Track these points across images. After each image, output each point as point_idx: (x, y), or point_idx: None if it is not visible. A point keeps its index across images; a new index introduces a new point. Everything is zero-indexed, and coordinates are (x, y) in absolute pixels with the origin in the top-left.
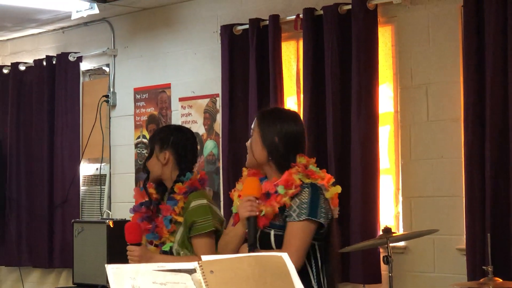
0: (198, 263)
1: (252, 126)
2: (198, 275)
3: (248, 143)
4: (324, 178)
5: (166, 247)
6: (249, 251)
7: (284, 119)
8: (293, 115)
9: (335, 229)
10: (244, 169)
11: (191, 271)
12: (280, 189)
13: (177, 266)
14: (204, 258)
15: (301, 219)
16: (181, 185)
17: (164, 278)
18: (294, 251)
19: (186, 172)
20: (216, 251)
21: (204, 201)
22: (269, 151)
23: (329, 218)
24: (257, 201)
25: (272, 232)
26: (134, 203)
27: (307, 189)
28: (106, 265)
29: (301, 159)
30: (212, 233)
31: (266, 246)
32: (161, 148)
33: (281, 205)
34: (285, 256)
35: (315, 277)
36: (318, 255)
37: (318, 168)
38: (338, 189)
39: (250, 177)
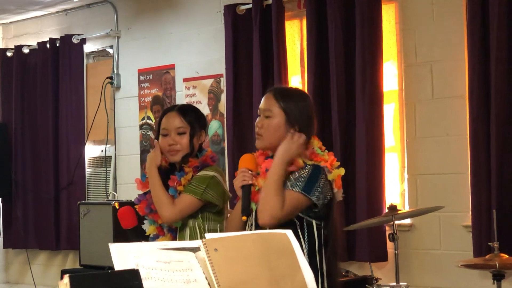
0: (202, 241)
1: (266, 106)
2: (202, 253)
3: (261, 125)
4: (328, 160)
5: (178, 224)
6: (242, 216)
7: (303, 98)
8: (307, 95)
9: (336, 211)
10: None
11: (195, 249)
12: None
13: (181, 244)
14: (208, 236)
15: (294, 189)
16: (195, 160)
17: (168, 257)
18: None
19: (202, 149)
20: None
21: (211, 173)
22: (299, 129)
23: (327, 199)
24: (250, 172)
25: None
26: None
27: (310, 167)
28: (109, 244)
29: (314, 142)
30: (198, 201)
31: None
32: (200, 128)
33: None
34: (289, 233)
35: (307, 255)
36: (316, 234)
37: (326, 151)
38: (342, 171)
39: (246, 154)
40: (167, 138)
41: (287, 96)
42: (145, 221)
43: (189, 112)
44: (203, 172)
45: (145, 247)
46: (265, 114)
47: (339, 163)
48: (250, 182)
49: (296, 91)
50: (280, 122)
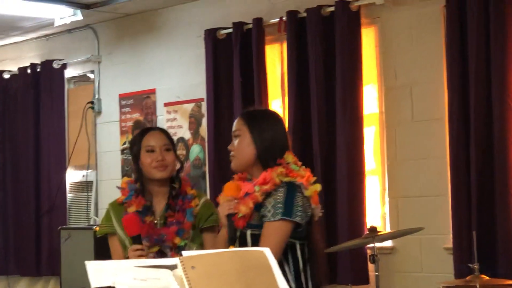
0: (179, 259)
1: (236, 128)
2: (179, 271)
3: (233, 146)
4: (304, 176)
5: (181, 243)
6: (229, 246)
7: (271, 118)
8: (276, 113)
9: (317, 227)
10: (234, 176)
11: (172, 267)
12: (256, 188)
13: (158, 262)
14: (185, 253)
15: (276, 219)
16: (187, 183)
17: (145, 274)
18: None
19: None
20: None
21: (207, 197)
22: (259, 150)
23: (308, 216)
24: (235, 201)
25: (249, 232)
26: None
27: (282, 189)
28: (86, 262)
29: (289, 157)
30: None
31: (244, 246)
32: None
33: (254, 202)
34: (267, 251)
35: (293, 276)
36: (299, 254)
37: (304, 166)
38: (318, 187)
39: (229, 182)
40: (153, 154)
41: (254, 115)
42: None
43: (167, 132)
44: (205, 197)
45: (122, 264)
46: (235, 135)
47: (315, 178)
48: (235, 211)
49: (264, 111)
50: (248, 140)
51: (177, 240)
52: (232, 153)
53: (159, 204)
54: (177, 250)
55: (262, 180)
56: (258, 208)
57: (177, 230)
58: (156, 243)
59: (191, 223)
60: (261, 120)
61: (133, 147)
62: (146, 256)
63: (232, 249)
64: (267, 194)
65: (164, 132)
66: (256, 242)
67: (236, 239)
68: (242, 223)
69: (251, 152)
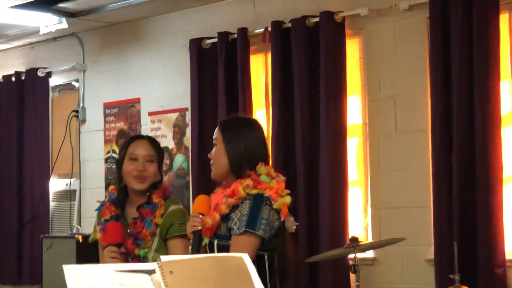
0: (158, 263)
1: (215, 136)
2: (158, 275)
3: (211, 154)
4: (273, 189)
5: (141, 252)
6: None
7: (247, 127)
8: (254, 122)
9: (288, 240)
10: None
11: (150, 272)
12: (224, 200)
13: (137, 266)
14: (164, 258)
15: (240, 231)
16: (158, 191)
17: (123, 279)
18: None
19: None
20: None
21: (181, 206)
22: (231, 160)
23: (274, 229)
24: (200, 216)
25: (216, 242)
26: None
27: (248, 201)
28: (63, 265)
29: (261, 168)
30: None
31: None
32: (162, 159)
33: (220, 214)
34: (245, 256)
35: None
36: (266, 266)
37: (280, 177)
38: (287, 199)
39: (199, 196)
40: (135, 163)
41: (230, 125)
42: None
43: (156, 142)
44: (173, 207)
45: (100, 269)
46: (213, 144)
47: (288, 191)
48: (199, 227)
49: (241, 120)
50: (222, 150)
51: (136, 250)
52: (211, 161)
53: (131, 213)
54: (138, 260)
55: (231, 192)
56: (225, 220)
57: (133, 239)
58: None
59: (149, 232)
60: (236, 129)
61: (120, 153)
62: (120, 260)
63: (210, 254)
64: (234, 206)
65: (152, 142)
66: (222, 251)
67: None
68: (209, 233)
69: (224, 162)
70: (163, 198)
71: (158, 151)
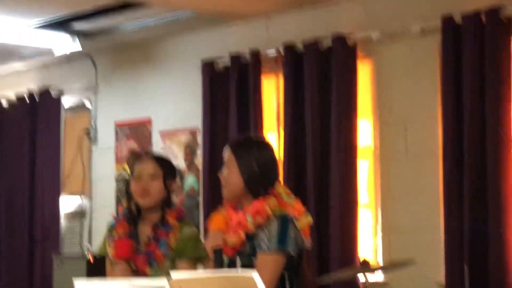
0: (168, 280)
1: (225, 157)
2: None
3: (222, 175)
4: (296, 209)
5: (152, 273)
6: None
7: (258, 146)
8: (265, 141)
9: (306, 259)
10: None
11: None
12: (249, 218)
13: (147, 282)
14: (174, 276)
15: (271, 251)
16: (172, 212)
17: None
18: (264, 283)
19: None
20: None
21: (195, 229)
22: (247, 180)
23: (299, 248)
24: (221, 234)
25: (239, 261)
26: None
27: (276, 221)
28: (74, 280)
29: (279, 187)
30: (199, 261)
31: None
32: (172, 176)
33: (246, 232)
34: (255, 276)
35: None
36: (287, 285)
37: (294, 197)
38: (309, 219)
39: (216, 213)
40: (139, 181)
41: (240, 144)
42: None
43: (162, 159)
44: (188, 230)
45: (111, 284)
46: (225, 165)
47: (306, 212)
48: (221, 246)
49: (251, 139)
50: (235, 171)
51: (147, 270)
52: (222, 183)
53: (144, 231)
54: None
55: (254, 210)
56: (249, 238)
57: (147, 259)
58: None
59: (163, 253)
60: (247, 149)
61: (130, 174)
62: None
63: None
64: (260, 226)
65: (156, 159)
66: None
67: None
68: (231, 252)
69: (239, 183)
70: (177, 219)
71: (164, 167)
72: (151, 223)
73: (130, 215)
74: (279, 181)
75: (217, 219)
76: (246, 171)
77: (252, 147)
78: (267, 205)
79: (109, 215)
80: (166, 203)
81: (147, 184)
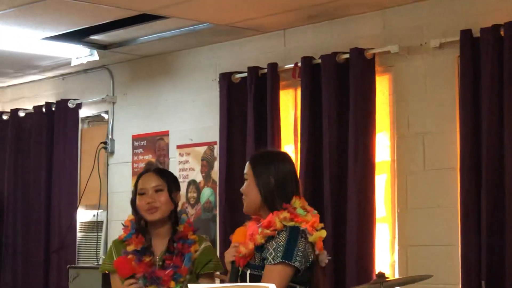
0: None
1: (245, 171)
2: None
3: (243, 189)
4: (309, 222)
5: (176, 287)
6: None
7: (277, 160)
8: (285, 155)
9: (319, 273)
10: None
11: None
12: (260, 230)
13: None
14: (191, 286)
15: (276, 262)
16: (187, 227)
17: None
18: None
19: (181, 215)
20: None
21: (209, 243)
22: (263, 194)
23: (309, 262)
24: (240, 247)
25: (248, 272)
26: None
27: (285, 233)
28: None
29: (296, 202)
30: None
31: None
32: (176, 189)
33: (254, 243)
34: (271, 286)
35: None
36: None
37: (314, 211)
38: (323, 233)
39: (240, 227)
40: (144, 197)
41: (260, 159)
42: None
43: (165, 172)
44: (205, 243)
45: None
46: (244, 178)
47: (322, 225)
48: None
49: (271, 154)
50: (253, 185)
51: (172, 284)
52: (243, 196)
53: (159, 245)
54: None
55: (267, 223)
56: (259, 250)
57: (173, 274)
58: (152, 283)
59: (188, 268)
60: (266, 164)
61: (134, 191)
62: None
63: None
64: (270, 237)
65: (159, 172)
66: (254, 282)
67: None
68: (242, 262)
69: (256, 196)
70: (194, 233)
71: (168, 180)
72: (164, 237)
73: (141, 228)
74: (299, 195)
75: (240, 232)
76: (262, 185)
77: (271, 162)
78: (278, 218)
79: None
80: (174, 215)
81: (153, 199)
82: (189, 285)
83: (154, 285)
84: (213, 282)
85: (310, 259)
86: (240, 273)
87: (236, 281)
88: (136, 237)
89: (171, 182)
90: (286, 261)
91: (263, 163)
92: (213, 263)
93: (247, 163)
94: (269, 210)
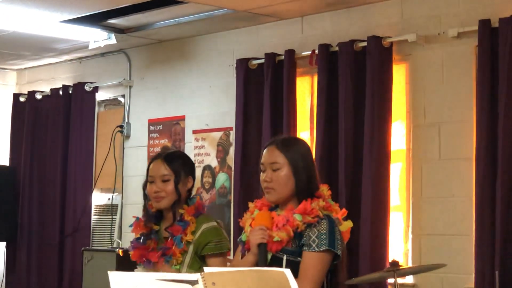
0: (201, 275)
1: (273, 159)
2: (200, 286)
3: (270, 178)
4: (339, 212)
5: (173, 268)
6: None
7: (304, 147)
8: (307, 143)
9: (344, 262)
10: (250, 202)
11: (193, 282)
12: (298, 217)
13: (180, 276)
14: (207, 270)
15: (321, 249)
16: (190, 208)
17: None
18: (311, 281)
19: (191, 197)
20: None
21: (215, 223)
22: (299, 185)
23: (342, 250)
24: (267, 230)
25: (285, 257)
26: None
27: (325, 221)
28: (109, 272)
29: (324, 190)
30: (226, 254)
31: None
32: (186, 174)
33: (295, 229)
34: (287, 271)
35: None
36: (324, 285)
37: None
38: (350, 223)
39: (262, 211)
40: (152, 185)
41: (290, 146)
42: (138, 267)
43: (174, 159)
44: (208, 225)
45: (144, 277)
46: (272, 168)
47: (346, 214)
48: (266, 240)
49: (296, 140)
50: (288, 174)
51: (166, 267)
52: (269, 184)
53: (163, 230)
54: None
55: (303, 210)
56: (296, 236)
57: (161, 255)
58: (148, 268)
59: (179, 250)
60: (299, 151)
61: (146, 175)
62: None
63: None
64: (308, 225)
65: (166, 160)
66: (291, 268)
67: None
68: (276, 247)
69: (291, 186)
70: (195, 215)
71: (175, 168)
72: (169, 221)
73: (149, 215)
74: (322, 183)
75: (263, 215)
76: (299, 173)
77: (300, 148)
78: (316, 206)
79: (140, 212)
80: (178, 203)
81: (160, 188)
82: (205, 268)
83: (148, 268)
84: (223, 263)
85: (343, 247)
86: (273, 257)
87: (265, 264)
88: (136, 225)
89: (180, 170)
90: (331, 249)
91: (295, 150)
92: (214, 243)
93: (275, 150)
94: (297, 198)
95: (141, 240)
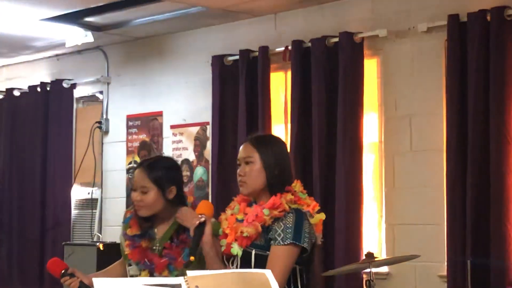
0: (184, 278)
1: (246, 154)
2: None
3: (243, 172)
4: (310, 205)
5: (173, 275)
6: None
7: (278, 143)
8: (281, 140)
9: (318, 255)
10: (234, 198)
11: (176, 286)
12: (266, 211)
13: (164, 281)
14: (189, 273)
15: (285, 243)
16: None
17: None
18: (277, 274)
19: (185, 204)
20: None
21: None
22: (270, 178)
23: (312, 243)
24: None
25: (253, 252)
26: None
27: (292, 214)
28: (93, 278)
29: (296, 185)
30: None
31: (247, 265)
32: (169, 184)
33: (262, 224)
34: (268, 273)
35: None
36: (298, 279)
37: (306, 195)
38: (323, 216)
39: (203, 200)
40: (134, 193)
41: (263, 142)
42: (131, 266)
43: (156, 169)
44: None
45: (129, 282)
46: (245, 161)
47: (319, 207)
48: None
49: (272, 137)
50: (259, 167)
51: (166, 274)
52: (242, 178)
53: (161, 230)
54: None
55: (271, 204)
56: (265, 231)
57: (167, 264)
58: (146, 268)
59: (184, 262)
60: (271, 147)
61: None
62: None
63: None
64: (276, 219)
65: (146, 170)
66: (260, 262)
67: (196, 252)
68: (246, 242)
69: (262, 179)
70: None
71: (156, 179)
72: (166, 220)
73: (140, 218)
74: (296, 179)
75: (204, 205)
76: (269, 169)
77: (275, 145)
78: (284, 200)
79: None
80: (165, 210)
81: (140, 198)
82: (187, 272)
83: (147, 270)
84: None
85: (313, 240)
86: (243, 252)
87: (195, 249)
88: (134, 222)
89: (163, 180)
90: (296, 242)
91: (268, 147)
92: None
93: (249, 146)
94: (270, 192)
95: (136, 239)
